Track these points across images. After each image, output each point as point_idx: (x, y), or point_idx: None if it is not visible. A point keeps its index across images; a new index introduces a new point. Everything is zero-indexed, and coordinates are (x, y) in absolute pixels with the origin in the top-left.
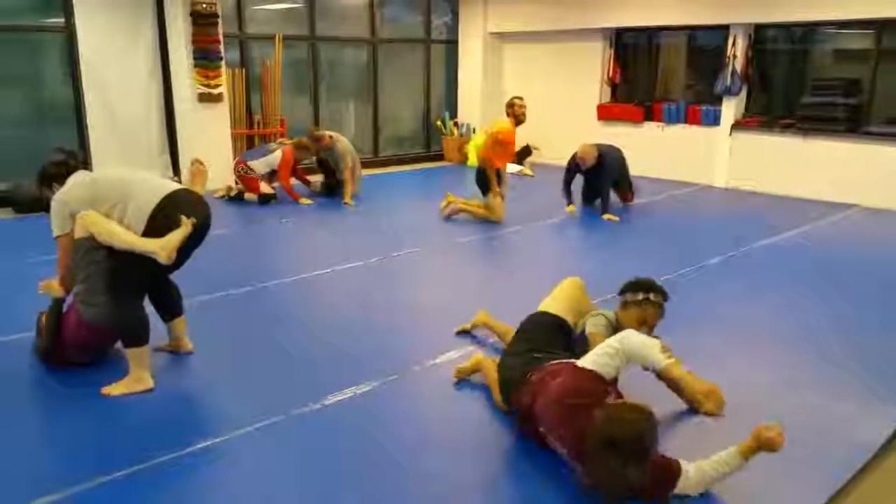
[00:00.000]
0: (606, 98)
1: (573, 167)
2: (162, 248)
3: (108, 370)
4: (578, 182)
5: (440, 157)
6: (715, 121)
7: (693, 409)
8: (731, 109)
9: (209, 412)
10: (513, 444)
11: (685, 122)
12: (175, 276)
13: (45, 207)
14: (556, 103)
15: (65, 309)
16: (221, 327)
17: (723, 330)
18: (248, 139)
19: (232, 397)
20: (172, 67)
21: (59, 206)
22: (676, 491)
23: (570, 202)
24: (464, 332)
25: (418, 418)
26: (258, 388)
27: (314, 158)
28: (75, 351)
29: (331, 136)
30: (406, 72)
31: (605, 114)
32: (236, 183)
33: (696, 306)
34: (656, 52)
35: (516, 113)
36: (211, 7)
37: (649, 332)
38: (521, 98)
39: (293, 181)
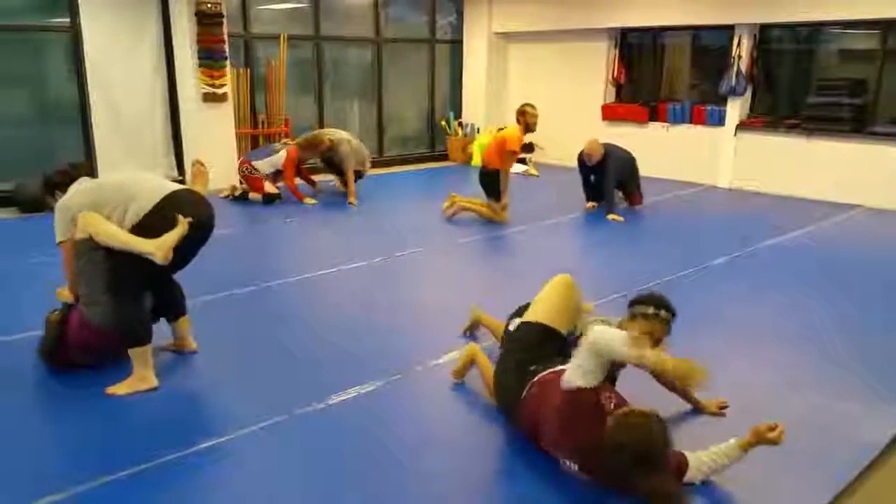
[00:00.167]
0: (611, 98)
1: (581, 163)
2: (158, 248)
3: (112, 370)
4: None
5: (444, 157)
6: (720, 121)
7: (696, 410)
8: (735, 110)
9: (213, 412)
10: (513, 444)
11: (690, 122)
12: (179, 276)
13: (50, 207)
14: (561, 103)
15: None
16: (225, 327)
17: (726, 330)
18: (253, 139)
19: (236, 397)
20: (177, 67)
21: (62, 212)
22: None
23: (588, 199)
24: (469, 333)
25: (420, 418)
26: (262, 388)
27: (319, 159)
28: (78, 352)
29: (331, 140)
30: (410, 72)
31: (609, 114)
32: (241, 182)
33: (699, 307)
34: (661, 52)
35: (528, 121)
36: (216, 7)
37: (654, 346)
38: (533, 106)
39: (297, 181)
